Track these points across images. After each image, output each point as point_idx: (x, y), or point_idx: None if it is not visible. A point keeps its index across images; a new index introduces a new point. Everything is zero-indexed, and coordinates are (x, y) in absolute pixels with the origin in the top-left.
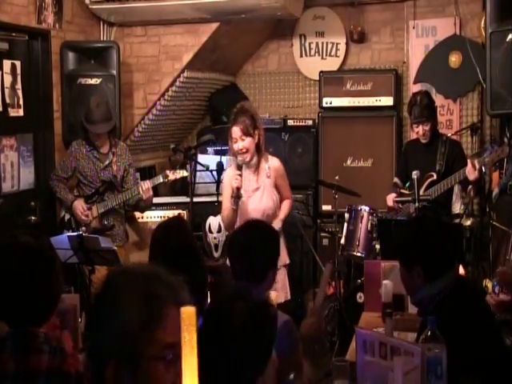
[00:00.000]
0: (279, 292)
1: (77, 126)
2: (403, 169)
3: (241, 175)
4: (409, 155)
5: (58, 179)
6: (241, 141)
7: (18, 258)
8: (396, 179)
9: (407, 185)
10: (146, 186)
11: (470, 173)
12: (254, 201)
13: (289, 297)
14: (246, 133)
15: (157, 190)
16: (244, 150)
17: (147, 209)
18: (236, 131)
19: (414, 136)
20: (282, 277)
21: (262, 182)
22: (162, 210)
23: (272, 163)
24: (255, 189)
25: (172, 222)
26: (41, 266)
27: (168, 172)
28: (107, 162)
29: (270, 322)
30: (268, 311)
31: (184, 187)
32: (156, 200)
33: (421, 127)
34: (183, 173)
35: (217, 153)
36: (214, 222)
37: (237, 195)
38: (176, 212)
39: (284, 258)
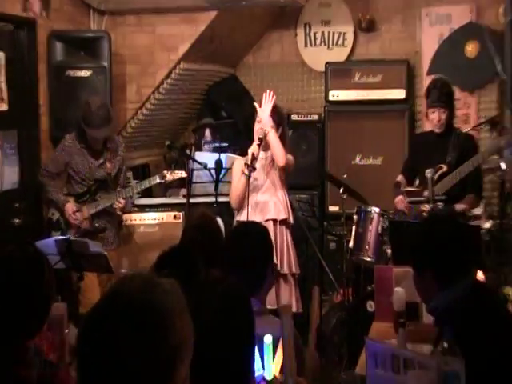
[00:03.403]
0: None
1: (65, 121)
2: (411, 164)
3: (259, 145)
4: (418, 148)
5: (48, 175)
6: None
7: (1, 274)
8: (400, 177)
9: (417, 182)
10: (120, 204)
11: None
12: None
13: (300, 309)
14: (272, 116)
15: (151, 190)
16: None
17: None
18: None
19: (427, 126)
20: (289, 287)
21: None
22: (156, 211)
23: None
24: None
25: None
26: (28, 280)
27: (166, 172)
28: (102, 160)
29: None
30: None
31: (180, 187)
32: (149, 201)
33: (437, 113)
34: (182, 173)
35: (215, 150)
36: None
37: (252, 163)
38: (171, 214)
39: (291, 265)
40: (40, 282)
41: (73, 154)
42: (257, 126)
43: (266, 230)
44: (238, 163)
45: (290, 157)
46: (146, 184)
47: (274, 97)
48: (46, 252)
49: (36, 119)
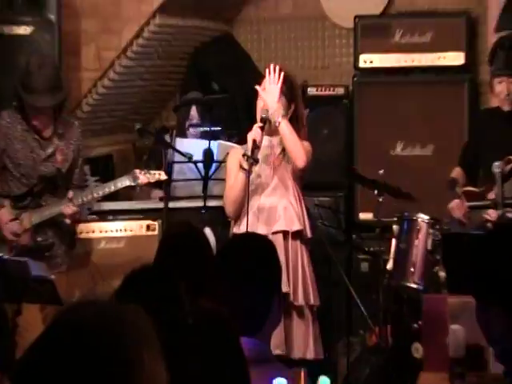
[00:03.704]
0: (303, 348)
1: (2, 93)
2: (472, 154)
3: (262, 128)
4: (482, 132)
5: None
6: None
7: None
8: (456, 172)
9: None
10: (71, 210)
11: None
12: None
13: (321, 355)
14: (282, 89)
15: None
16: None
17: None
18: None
19: (493, 102)
20: (305, 325)
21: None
22: (123, 220)
23: None
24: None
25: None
26: None
27: (138, 172)
28: (50, 150)
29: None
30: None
31: (155, 187)
32: (113, 205)
33: (505, 83)
34: (161, 175)
35: (204, 136)
36: None
37: (253, 153)
38: (143, 224)
39: (308, 294)
40: None
41: (11, 139)
42: (260, 103)
43: (271, 245)
44: (235, 154)
45: (306, 144)
46: (110, 187)
47: (282, 73)
48: None
49: None
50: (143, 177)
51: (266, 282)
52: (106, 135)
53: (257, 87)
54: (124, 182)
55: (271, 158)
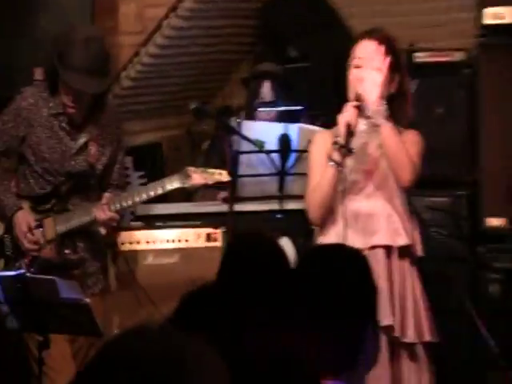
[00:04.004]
0: None
1: (14, 67)
2: None
3: (358, 108)
4: None
5: None
6: (369, 67)
7: None
8: None
9: None
10: (105, 215)
11: None
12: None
13: None
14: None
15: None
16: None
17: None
18: (368, 46)
19: None
20: (416, 368)
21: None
22: (177, 227)
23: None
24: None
25: None
26: None
27: (192, 172)
28: (82, 141)
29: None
30: None
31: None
32: (163, 209)
33: None
34: (221, 175)
35: (280, 118)
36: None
37: (346, 141)
38: (203, 231)
39: (421, 328)
40: None
41: (34, 125)
42: (355, 74)
43: (366, 262)
44: (322, 141)
45: (412, 136)
46: (157, 190)
47: (387, 61)
48: None
49: None
50: (198, 177)
51: (359, 307)
52: (152, 118)
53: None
54: (173, 183)
55: (370, 148)
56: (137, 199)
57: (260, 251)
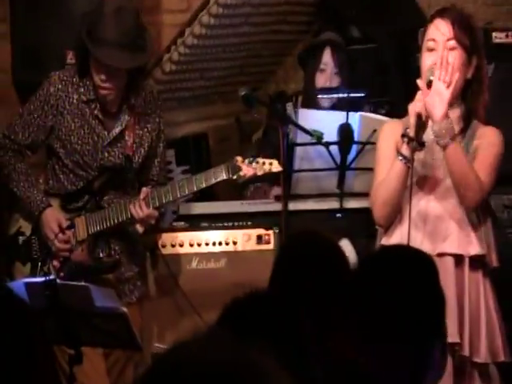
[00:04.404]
0: None
1: (43, 51)
2: None
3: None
4: None
5: (12, 149)
6: (445, 49)
7: None
8: None
9: None
10: (143, 212)
11: None
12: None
13: None
14: (459, 37)
15: (211, 187)
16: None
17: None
18: (442, 27)
19: None
20: None
21: None
22: (223, 229)
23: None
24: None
25: None
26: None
27: (240, 162)
28: (117, 130)
29: None
30: None
31: (268, 182)
32: (208, 208)
33: None
34: (272, 165)
35: (339, 106)
36: None
37: (417, 133)
38: (254, 233)
39: (495, 347)
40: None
41: (63, 114)
42: (428, 58)
43: (433, 266)
44: (391, 132)
45: (491, 133)
46: (201, 183)
47: (457, 75)
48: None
49: None
50: (247, 167)
51: (427, 320)
52: (197, 106)
53: (418, 82)
54: (220, 174)
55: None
56: (179, 194)
57: (318, 254)
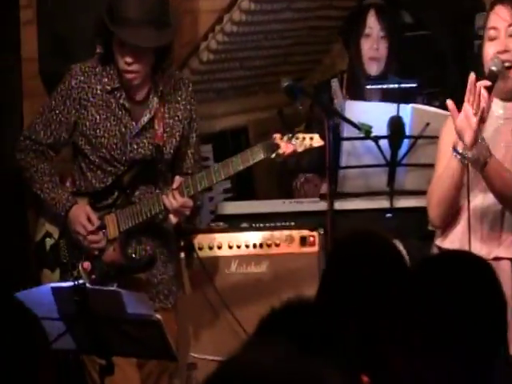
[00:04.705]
0: None
1: (69, 40)
2: None
3: (490, 88)
4: None
5: (33, 149)
6: (507, 36)
7: None
8: None
9: None
10: (176, 202)
11: None
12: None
13: None
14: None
15: (252, 186)
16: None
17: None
18: (503, 13)
19: None
20: None
21: None
22: (265, 229)
23: None
24: None
25: None
26: None
27: (279, 139)
28: (146, 119)
29: None
30: None
31: (314, 178)
32: (249, 208)
33: None
34: (313, 140)
35: (389, 96)
36: None
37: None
38: (297, 234)
39: None
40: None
41: (87, 106)
42: (490, 48)
43: (494, 273)
44: (452, 127)
45: None
46: (238, 165)
47: (483, 102)
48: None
49: (14, 41)
50: (286, 144)
51: (489, 331)
52: (237, 98)
53: (471, 74)
54: (257, 154)
55: (505, 135)
56: (214, 179)
57: (373, 254)
